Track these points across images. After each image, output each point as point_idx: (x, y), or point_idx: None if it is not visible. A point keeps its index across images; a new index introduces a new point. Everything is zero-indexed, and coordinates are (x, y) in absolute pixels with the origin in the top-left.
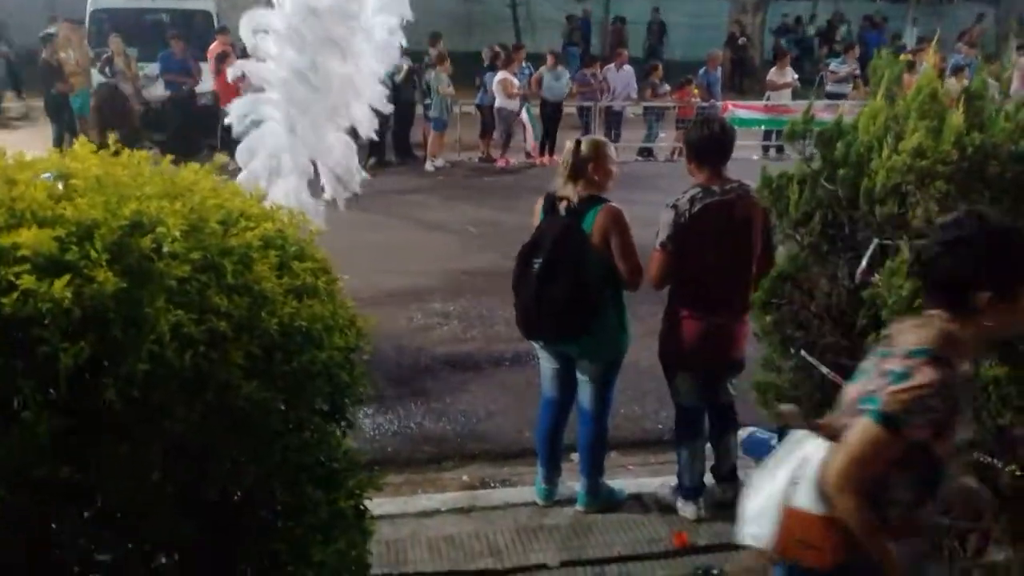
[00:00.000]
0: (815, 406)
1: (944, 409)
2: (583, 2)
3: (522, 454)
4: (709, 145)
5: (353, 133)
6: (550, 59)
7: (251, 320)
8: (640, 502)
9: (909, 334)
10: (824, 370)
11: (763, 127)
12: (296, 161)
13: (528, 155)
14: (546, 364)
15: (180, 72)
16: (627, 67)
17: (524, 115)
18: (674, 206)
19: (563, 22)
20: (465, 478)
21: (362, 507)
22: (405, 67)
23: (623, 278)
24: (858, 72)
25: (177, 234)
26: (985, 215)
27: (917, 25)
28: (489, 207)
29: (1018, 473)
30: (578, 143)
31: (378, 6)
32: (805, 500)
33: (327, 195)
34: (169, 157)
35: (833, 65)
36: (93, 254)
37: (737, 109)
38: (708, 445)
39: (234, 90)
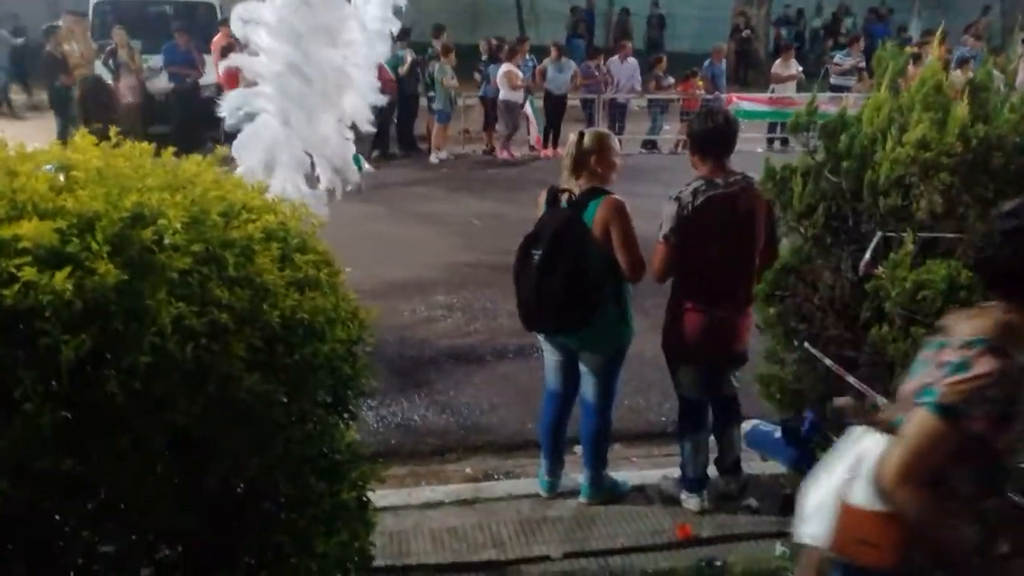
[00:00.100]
0: (818, 399)
1: (1003, 400)
2: None
3: (525, 446)
4: (713, 137)
5: (354, 126)
6: (554, 51)
7: (253, 312)
8: (643, 494)
9: (965, 324)
10: (828, 362)
11: (767, 119)
12: (292, 154)
13: (532, 148)
14: (549, 356)
15: (184, 64)
16: (631, 59)
17: (528, 108)
18: (677, 198)
19: (567, 14)
20: (468, 470)
21: (365, 499)
22: (409, 59)
23: (623, 270)
24: (863, 64)
25: (178, 226)
26: None
27: (922, 17)
28: (493, 199)
29: None
30: (581, 135)
31: None
32: (862, 497)
33: (323, 186)
34: (171, 149)
35: (837, 57)
36: (94, 246)
37: (741, 101)
38: (712, 437)
39: (237, 82)
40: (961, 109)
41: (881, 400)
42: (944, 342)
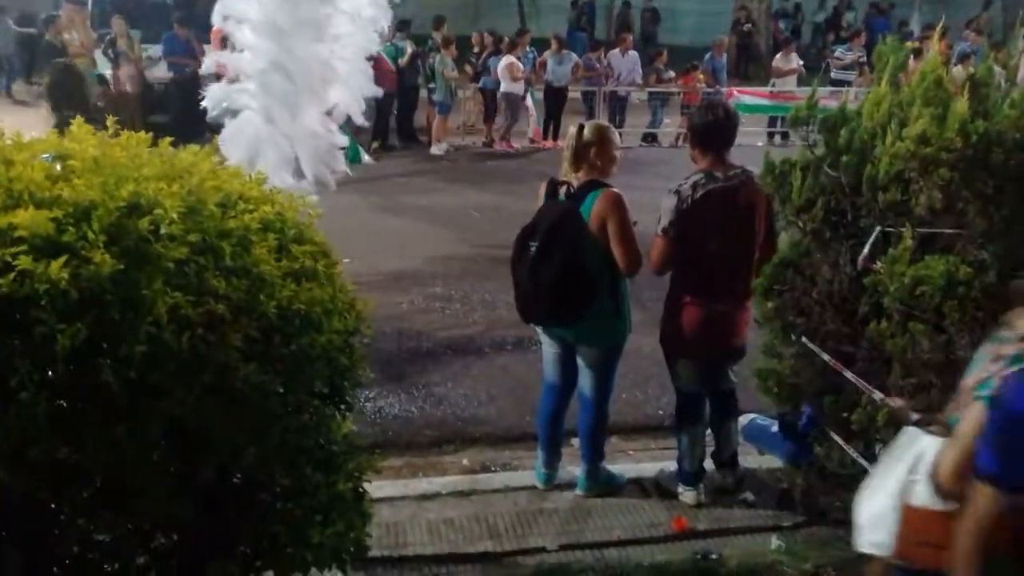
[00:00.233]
0: (816, 393)
1: None
2: None
3: (523, 438)
4: (713, 131)
5: (349, 118)
6: (554, 43)
7: (249, 303)
8: (640, 487)
9: None
10: (825, 357)
11: (768, 113)
12: (276, 148)
13: (532, 140)
14: (547, 349)
15: (184, 54)
16: (632, 52)
17: (529, 100)
18: (677, 192)
19: (568, 7)
20: (465, 462)
21: (361, 490)
22: (409, 51)
23: (619, 264)
24: (864, 59)
25: (175, 216)
26: None
27: (923, 12)
28: (492, 191)
29: None
30: (581, 128)
31: None
32: (924, 497)
33: (309, 177)
34: (168, 139)
35: (839, 52)
36: (90, 235)
37: (742, 95)
38: (709, 431)
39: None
40: (961, 105)
41: (878, 395)
42: (1004, 336)
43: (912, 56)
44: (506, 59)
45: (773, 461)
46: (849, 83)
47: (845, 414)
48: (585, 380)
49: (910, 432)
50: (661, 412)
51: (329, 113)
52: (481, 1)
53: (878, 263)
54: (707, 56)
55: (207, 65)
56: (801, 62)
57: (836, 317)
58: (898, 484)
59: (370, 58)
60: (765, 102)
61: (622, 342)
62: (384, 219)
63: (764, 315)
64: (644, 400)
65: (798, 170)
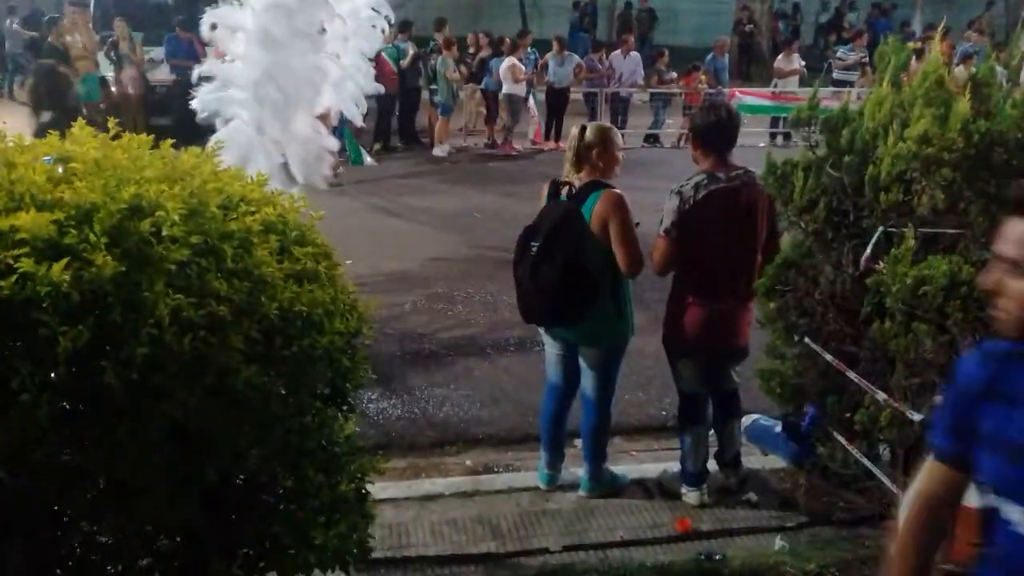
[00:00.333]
0: (819, 394)
1: None
2: None
3: (525, 439)
4: (715, 131)
5: (343, 120)
6: (555, 45)
7: (251, 304)
8: (643, 488)
9: None
10: (828, 357)
11: (770, 114)
12: (266, 154)
13: (533, 141)
14: (550, 349)
15: (186, 57)
16: (634, 53)
17: (531, 101)
18: (679, 192)
19: (569, 8)
20: (468, 463)
21: (364, 491)
22: (411, 52)
23: (620, 265)
24: (866, 59)
25: (176, 218)
26: None
27: (925, 12)
28: (494, 193)
29: None
30: (583, 129)
31: None
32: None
33: (300, 180)
34: (169, 141)
35: (841, 52)
36: (92, 238)
37: (744, 96)
38: (712, 432)
39: None
40: (963, 105)
41: (881, 396)
42: None
43: (914, 56)
44: (508, 61)
45: (776, 462)
46: (851, 84)
47: (848, 414)
48: (587, 381)
49: None
50: (664, 413)
51: (323, 117)
52: (483, 2)
53: (880, 263)
54: (709, 57)
55: (196, 77)
56: (803, 63)
57: (839, 317)
58: None
59: (371, 59)
60: (767, 103)
61: (624, 343)
62: (386, 220)
63: (767, 316)
64: (647, 401)
65: (800, 171)
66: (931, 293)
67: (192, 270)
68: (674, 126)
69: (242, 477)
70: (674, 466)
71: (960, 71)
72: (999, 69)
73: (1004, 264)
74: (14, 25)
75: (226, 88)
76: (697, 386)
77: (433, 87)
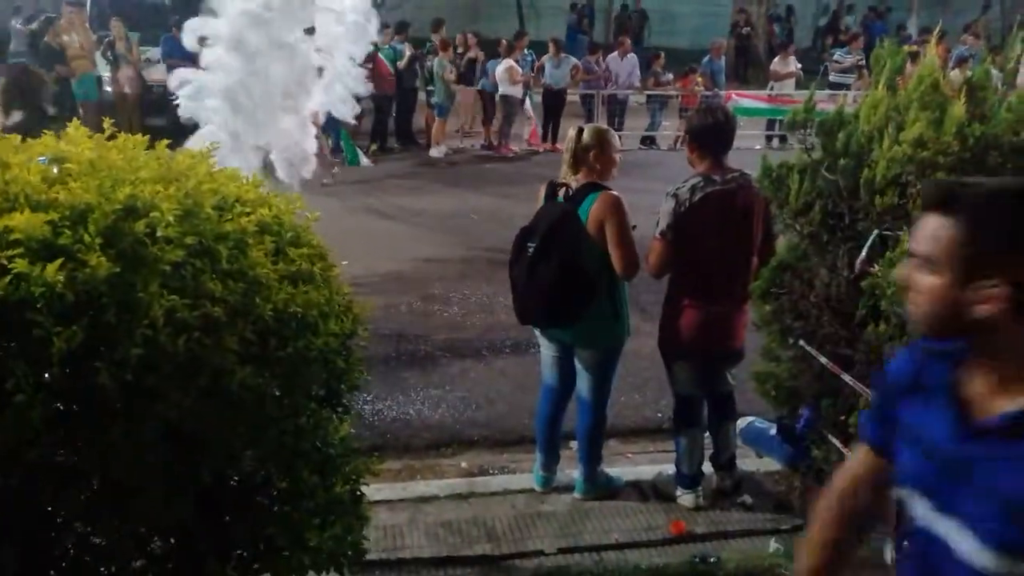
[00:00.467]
0: (814, 396)
1: None
2: None
3: (521, 441)
4: (711, 134)
5: (331, 119)
6: (552, 47)
7: (246, 305)
8: (638, 490)
9: None
10: (823, 360)
11: (766, 117)
12: (243, 162)
13: (529, 143)
14: (546, 351)
15: (182, 57)
16: (630, 55)
17: (528, 103)
18: (675, 195)
19: (567, 10)
20: (463, 464)
21: (359, 492)
22: (407, 53)
23: (616, 266)
24: (863, 62)
25: (171, 219)
26: None
27: (921, 16)
28: (491, 194)
29: None
30: (580, 131)
31: None
32: None
33: (283, 178)
34: (165, 141)
35: (837, 55)
36: (86, 238)
37: (740, 98)
38: (707, 434)
39: None
40: (958, 108)
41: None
42: None
43: (910, 60)
44: (505, 62)
45: (771, 464)
46: (847, 86)
47: (843, 417)
48: (583, 383)
49: None
50: (659, 415)
51: (312, 119)
52: (480, 3)
53: (875, 266)
54: (705, 59)
55: (173, 84)
56: (799, 65)
57: (834, 320)
58: None
59: (367, 61)
60: (763, 105)
61: (620, 344)
62: (382, 221)
63: (762, 318)
64: (642, 403)
65: (795, 173)
66: None
67: (187, 271)
68: (670, 128)
69: (236, 478)
70: (669, 468)
71: (955, 75)
72: (994, 73)
73: (915, 259)
74: (17, 24)
75: (201, 97)
76: (693, 388)
77: (430, 88)
